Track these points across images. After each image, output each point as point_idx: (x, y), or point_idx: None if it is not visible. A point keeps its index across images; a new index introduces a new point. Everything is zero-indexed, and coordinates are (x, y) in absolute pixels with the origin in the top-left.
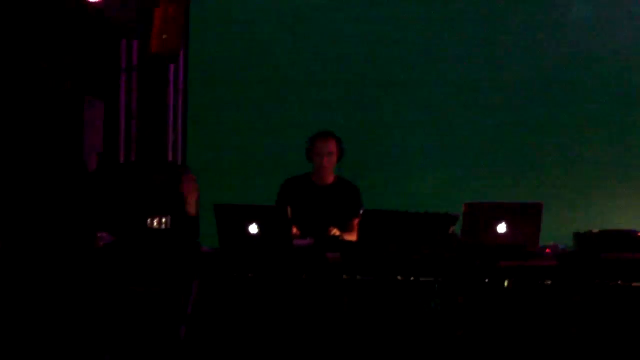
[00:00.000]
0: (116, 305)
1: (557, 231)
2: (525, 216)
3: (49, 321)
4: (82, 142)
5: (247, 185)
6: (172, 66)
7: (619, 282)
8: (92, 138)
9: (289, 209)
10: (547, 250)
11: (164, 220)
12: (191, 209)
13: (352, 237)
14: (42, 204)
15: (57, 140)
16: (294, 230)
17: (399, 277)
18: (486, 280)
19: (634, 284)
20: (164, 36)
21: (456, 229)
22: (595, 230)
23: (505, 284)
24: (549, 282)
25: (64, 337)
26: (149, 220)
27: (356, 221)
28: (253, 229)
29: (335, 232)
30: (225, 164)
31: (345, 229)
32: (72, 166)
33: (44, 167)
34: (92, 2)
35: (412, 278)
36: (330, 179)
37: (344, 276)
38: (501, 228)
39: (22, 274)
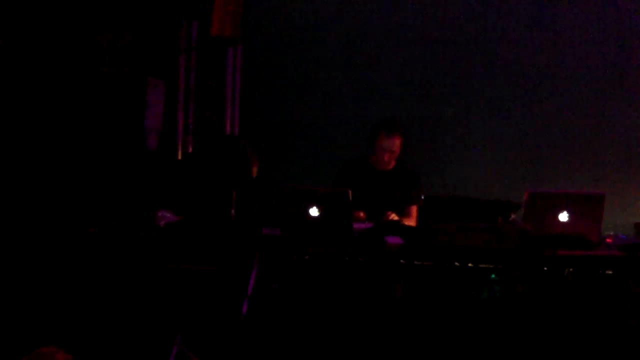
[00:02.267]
0: (176, 283)
1: (618, 222)
2: (587, 206)
3: (112, 300)
4: (144, 123)
5: (302, 167)
6: (230, 49)
7: None
8: (153, 118)
9: (350, 193)
10: (608, 240)
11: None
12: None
13: (410, 222)
14: (104, 183)
15: (119, 121)
16: (362, 215)
17: (457, 264)
18: (546, 269)
19: None
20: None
21: (517, 216)
22: None
23: (565, 273)
24: (610, 273)
25: (127, 317)
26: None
27: (414, 208)
28: (314, 212)
29: (394, 217)
30: (280, 146)
31: (402, 214)
32: (133, 146)
33: (106, 146)
34: None
35: (470, 265)
36: (391, 165)
37: (402, 261)
38: (563, 217)
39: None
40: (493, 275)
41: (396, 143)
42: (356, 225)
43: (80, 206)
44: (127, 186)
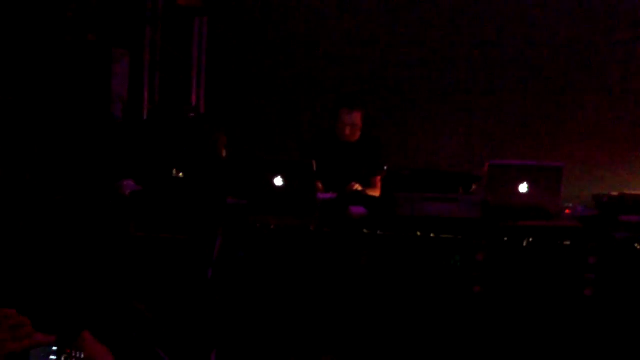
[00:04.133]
0: (141, 251)
1: (577, 193)
2: (546, 178)
3: (75, 267)
4: (109, 92)
5: (268, 138)
6: (196, 20)
7: (636, 244)
8: (118, 87)
9: (314, 163)
10: (567, 212)
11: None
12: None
13: (374, 192)
14: (70, 151)
15: (84, 90)
16: (318, 185)
17: (418, 233)
18: (505, 239)
19: None
20: None
21: (478, 188)
22: (615, 193)
23: (524, 243)
24: (568, 243)
25: (89, 283)
26: (174, 169)
27: (378, 178)
28: (278, 181)
29: (357, 187)
30: (244, 117)
31: (366, 184)
32: (98, 114)
33: (71, 115)
34: None
35: (432, 235)
36: (356, 137)
37: (365, 230)
38: (522, 188)
39: (46, 220)
40: (457, 257)
41: (357, 117)
42: (320, 195)
43: (46, 174)
44: (92, 155)
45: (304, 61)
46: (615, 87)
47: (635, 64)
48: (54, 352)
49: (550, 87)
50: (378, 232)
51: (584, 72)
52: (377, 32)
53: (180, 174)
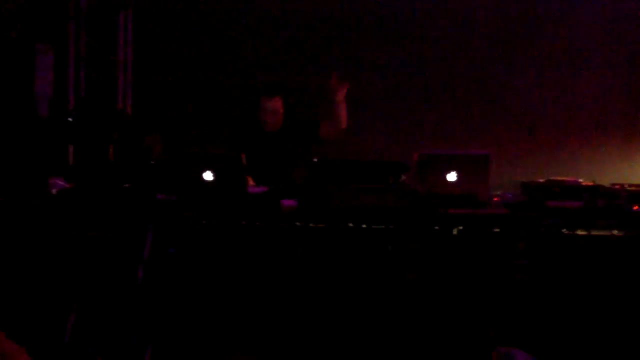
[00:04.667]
0: (71, 250)
1: (505, 181)
2: (475, 166)
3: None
4: (33, 89)
5: (196, 132)
6: (121, 15)
7: (564, 230)
8: (42, 85)
9: (243, 156)
10: (496, 199)
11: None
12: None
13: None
14: None
15: (8, 87)
16: (250, 181)
17: (350, 225)
18: (436, 228)
19: (578, 231)
20: None
21: (407, 178)
22: (541, 180)
23: (455, 231)
24: (497, 230)
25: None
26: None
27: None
28: (208, 176)
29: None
30: (173, 113)
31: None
32: (23, 113)
33: None
34: None
35: (364, 226)
36: (279, 125)
37: (298, 223)
38: (451, 177)
39: None
40: (389, 247)
41: (277, 105)
42: (251, 189)
43: None
44: (18, 154)
45: (232, 52)
46: (542, 73)
47: (560, 50)
48: None
49: (477, 75)
50: (311, 224)
51: (510, 60)
52: (303, 20)
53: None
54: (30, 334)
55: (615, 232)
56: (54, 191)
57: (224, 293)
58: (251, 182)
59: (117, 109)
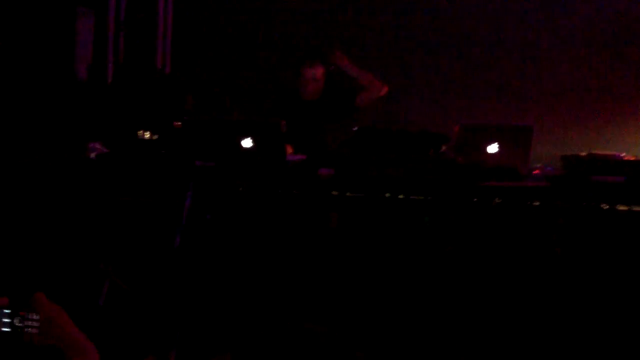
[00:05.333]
0: (110, 215)
1: (545, 154)
2: (516, 138)
3: (42, 231)
4: (74, 53)
5: (236, 100)
6: None
7: (605, 205)
8: (82, 48)
9: (283, 124)
10: (536, 172)
11: (155, 133)
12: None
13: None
14: (33, 113)
15: (49, 50)
16: (289, 150)
17: (387, 195)
18: (475, 200)
19: (619, 207)
20: None
21: (448, 149)
22: (583, 153)
23: (494, 203)
24: (537, 204)
25: (57, 247)
26: (140, 132)
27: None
28: (247, 143)
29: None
30: (213, 77)
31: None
32: (64, 76)
33: (35, 76)
34: None
35: (401, 196)
36: (319, 93)
37: (334, 192)
38: (492, 149)
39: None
40: (426, 218)
41: (318, 72)
42: (290, 157)
43: (10, 136)
44: (57, 117)
45: (276, 19)
46: (587, 42)
47: (603, 23)
48: (7, 315)
49: (520, 45)
50: (348, 194)
51: (554, 30)
52: None
53: (147, 135)
54: (65, 297)
55: None
56: (92, 155)
57: (260, 260)
58: (290, 150)
59: (156, 72)
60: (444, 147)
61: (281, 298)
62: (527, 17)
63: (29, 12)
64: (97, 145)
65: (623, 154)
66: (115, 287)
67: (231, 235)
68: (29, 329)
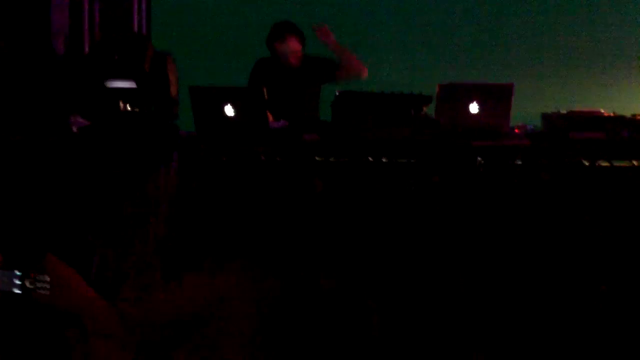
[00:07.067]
0: (96, 188)
1: (525, 112)
2: (497, 97)
3: (28, 206)
4: (49, 24)
5: (215, 67)
6: None
7: (585, 161)
8: (59, 20)
9: (264, 91)
10: (516, 131)
11: (136, 103)
12: (173, 90)
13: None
14: (14, 89)
15: (24, 25)
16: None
17: (370, 159)
18: (458, 160)
19: (599, 163)
20: None
21: (429, 110)
22: (563, 111)
23: (477, 163)
24: (519, 163)
25: (45, 220)
26: (121, 103)
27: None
28: (229, 110)
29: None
30: (192, 47)
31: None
32: (40, 49)
33: (11, 48)
34: None
35: (384, 160)
36: (299, 61)
37: (317, 158)
38: (473, 108)
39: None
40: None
41: (293, 44)
42: (272, 124)
43: None
44: (37, 91)
45: None
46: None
47: None
48: (18, 277)
49: (498, 4)
50: (331, 159)
51: None
52: None
53: (128, 107)
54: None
55: (636, 162)
56: (74, 129)
57: (245, 227)
58: (270, 118)
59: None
60: (424, 108)
61: (275, 260)
62: None
63: None
64: (78, 119)
65: (603, 111)
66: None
67: (217, 203)
68: (41, 291)
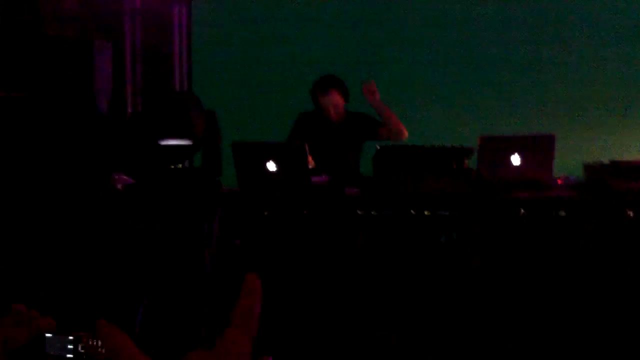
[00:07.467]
0: (139, 243)
1: (568, 163)
2: (539, 148)
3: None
4: (93, 86)
5: (256, 124)
6: (175, 8)
7: (630, 212)
8: (102, 80)
9: (306, 146)
10: (559, 182)
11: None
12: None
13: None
14: (59, 149)
15: (68, 86)
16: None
17: (412, 212)
18: (501, 212)
19: None
20: None
21: (471, 162)
22: (606, 161)
23: (520, 215)
24: (563, 214)
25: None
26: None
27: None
28: (271, 166)
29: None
30: (233, 105)
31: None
32: (84, 110)
33: (56, 112)
34: None
35: (427, 212)
36: (342, 116)
37: (359, 212)
38: (515, 160)
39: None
40: (454, 235)
41: (334, 98)
42: (314, 179)
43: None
44: (81, 150)
45: (292, 43)
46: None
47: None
48: (70, 342)
49: (535, 55)
50: (373, 212)
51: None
52: (360, 13)
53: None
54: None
55: None
56: (119, 186)
57: (289, 281)
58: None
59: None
60: (466, 161)
61: (317, 313)
62: (548, 30)
63: (48, 50)
64: (122, 176)
65: None
66: (150, 315)
67: (260, 258)
68: (93, 356)
